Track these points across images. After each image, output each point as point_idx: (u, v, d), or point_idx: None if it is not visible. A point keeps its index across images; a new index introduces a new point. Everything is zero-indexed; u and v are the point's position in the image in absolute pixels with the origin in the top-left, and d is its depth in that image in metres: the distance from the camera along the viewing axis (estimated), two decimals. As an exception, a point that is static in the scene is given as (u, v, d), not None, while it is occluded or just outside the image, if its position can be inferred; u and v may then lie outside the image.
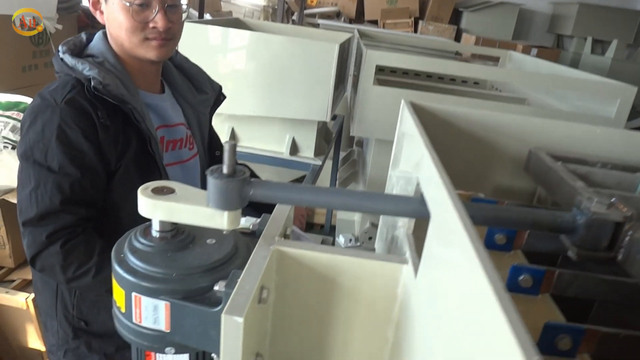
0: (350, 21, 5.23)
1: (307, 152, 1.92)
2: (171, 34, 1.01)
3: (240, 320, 0.40)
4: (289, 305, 0.53)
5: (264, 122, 1.87)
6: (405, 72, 2.32)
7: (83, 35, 1.05)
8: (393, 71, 2.27)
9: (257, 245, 0.51)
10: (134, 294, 0.48)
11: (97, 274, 0.93)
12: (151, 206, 0.49)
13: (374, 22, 5.26)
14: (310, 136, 1.89)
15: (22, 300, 1.51)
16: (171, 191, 0.52)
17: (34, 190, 0.91)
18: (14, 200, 1.50)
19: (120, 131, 0.97)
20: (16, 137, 1.65)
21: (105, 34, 1.04)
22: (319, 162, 1.85)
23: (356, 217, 2.20)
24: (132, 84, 1.00)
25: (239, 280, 0.44)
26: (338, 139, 2.35)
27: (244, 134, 1.93)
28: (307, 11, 4.79)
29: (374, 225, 1.83)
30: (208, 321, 0.47)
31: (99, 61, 0.98)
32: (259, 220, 0.64)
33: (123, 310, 0.50)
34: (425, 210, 0.46)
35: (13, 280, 1.62)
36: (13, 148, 1.62)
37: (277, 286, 0.51)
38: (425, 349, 0.42)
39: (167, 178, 1.04)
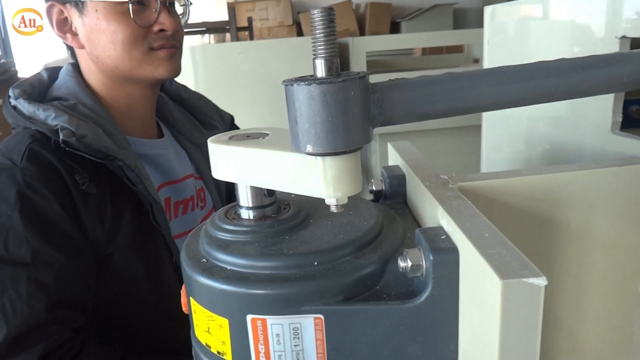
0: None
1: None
2: (179, 40, 0.76)
3: (543, 282, 0.20)
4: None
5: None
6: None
7: (43, 73, 0.77)
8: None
9: (429, 191, 0.31)
10: (250, 317, 0.26)
11: None
12: (236, 161, 0.29)
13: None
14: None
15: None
16: (260, 135, 0.31)
17: None
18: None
19: (107, 200, 0.69)
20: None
21: (75, 67, 0.76)
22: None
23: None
24: (119, 132, 0.72)
25: (464, 231, 0.23)
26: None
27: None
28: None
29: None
30: (403, 331, 0.26)
31: (70, 104, 0.71)
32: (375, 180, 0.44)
33: (228, 357, 0.28)
34: None
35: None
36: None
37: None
38: None
39: (177, 256, 0.75)
